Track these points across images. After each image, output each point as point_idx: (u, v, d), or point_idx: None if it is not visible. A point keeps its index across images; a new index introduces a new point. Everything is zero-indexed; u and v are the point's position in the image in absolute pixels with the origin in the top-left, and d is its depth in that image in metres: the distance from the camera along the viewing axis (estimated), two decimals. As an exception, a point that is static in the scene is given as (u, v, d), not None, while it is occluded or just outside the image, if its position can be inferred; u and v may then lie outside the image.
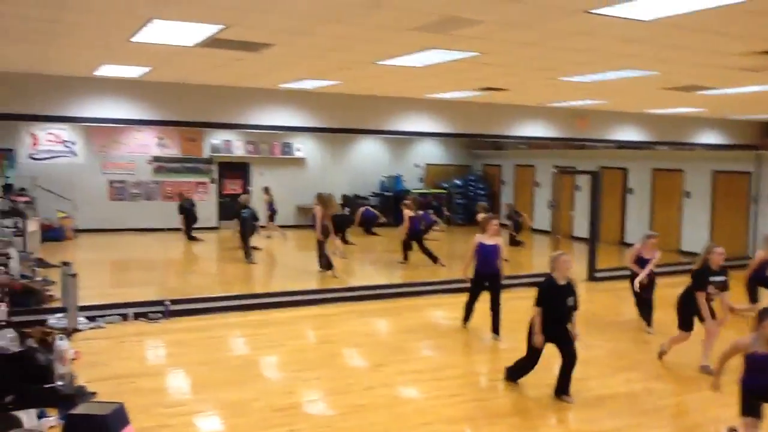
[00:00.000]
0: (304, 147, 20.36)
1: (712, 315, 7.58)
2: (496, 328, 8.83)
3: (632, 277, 9.47)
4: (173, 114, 10.56)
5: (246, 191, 18.37)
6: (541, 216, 20.28)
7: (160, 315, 9.49)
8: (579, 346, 6.76)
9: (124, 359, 7.68)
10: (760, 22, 5.33)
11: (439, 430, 5.88)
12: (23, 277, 10.58)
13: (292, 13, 5.41)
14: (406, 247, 14.18)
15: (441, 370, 7.61)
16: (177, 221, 17.08)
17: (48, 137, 17.36)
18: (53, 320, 8.70)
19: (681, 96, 10.35)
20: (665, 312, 8.12)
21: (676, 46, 6.38)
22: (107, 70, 9.04)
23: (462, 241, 15.78)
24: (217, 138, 19.30)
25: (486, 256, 8.83)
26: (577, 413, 6.41)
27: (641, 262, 9.34)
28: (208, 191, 19.44)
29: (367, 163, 21.33)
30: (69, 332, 8.18)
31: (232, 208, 16.25)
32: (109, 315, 9.25)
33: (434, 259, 13.78)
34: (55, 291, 10.04)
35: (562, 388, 6.64)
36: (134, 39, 6.57)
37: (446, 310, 10.41)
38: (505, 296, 8.96)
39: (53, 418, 5.54)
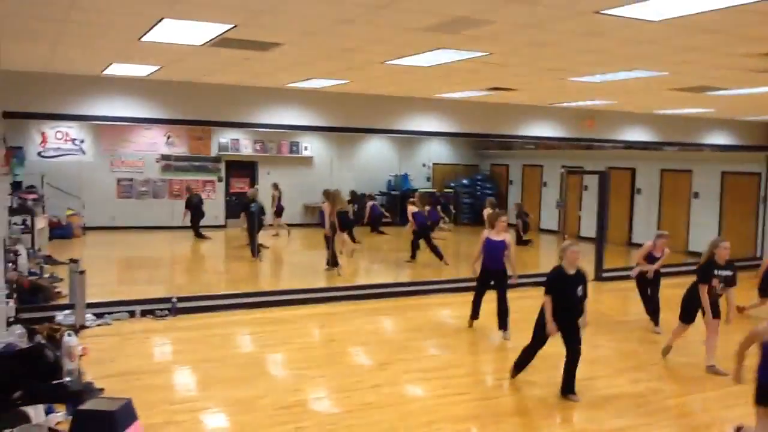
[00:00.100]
0: (311, 146, 20.39)
1: (716, 312, 7.55)
2: (503, 325, 8.83)
3: (638, 276, 9.54)
4: (181, 113, 10.60)
5: (254, 186, 18.42)
6: (549, 216, 20.25)
7: (167, 312, 9.52)
8: (586, 346, 6.76)
9: (131, 356, 7.71)
10: (770, 22, 5.31)
11: (444, 429, 5.88)
12: (31, 274, 10.66)
13: (302, 13, 5.42)
14: (415, 245, 14.17)
15: (447, 368, 7.61)
16: (183, 216, 17.06)
17: (57, 135, 17.45)
18: (61, 317, 8.75)
19: (690, 97, 10.31)
20: (674, 312, 8.10)
21: (686, 46, 6.36)
22: (116, 69, 9.07)
23: (468, 241, 15.78)
24: (225, 137, 19.36)
25: (492, 252, 8.83)
26: (583, 413, 6.40)
27: (651, 260, 9.42)
28: (215, 190, 19.51)
29: (375, 162, 21.34)
30: (76, 329, 8.23)
31: (239, 206, 16.32)
32: (117, 312, 9.29)
33: (440, 257, 13.79)
34: (63, 288, 10.09)
35: (567, 387, 6.64)
36: (144, 38, 6.59)
37: (452, 309, 10.42)
38: (511, 295, 8.95)
39: (61, 414, 5.56)
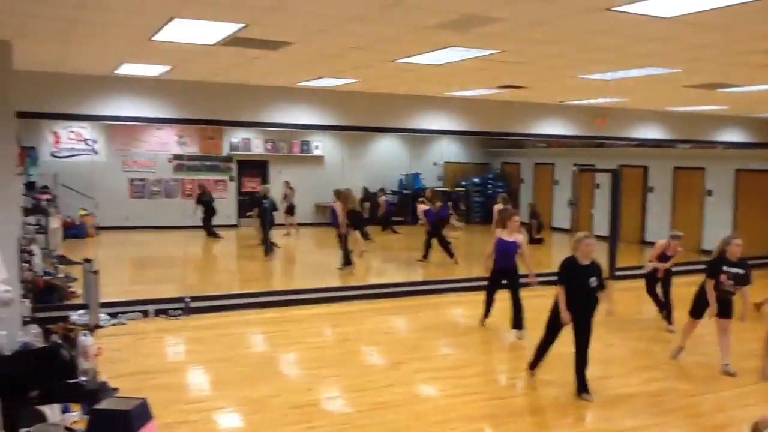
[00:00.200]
0: (322, 145, 20.41)
1: (728, 312, 7.47)
2: (518, 324, 8.82)
3: (648, 276, 9.58)
4: (193, 112, 10.62)
5: (266, 182, 18.48)
6: (561, 214, 20.18)
7: (180, 312, 9.57)
8: (599, 345, 6.74)
9: (145, 355, 7.75)
10: (785, 18, 5.26)
11: (458, 428, 5.88)
12: (46, 273, 10.72)
13: (312, 12, 5.43)
14: (428, 244, 14.16)
15: (460, 368, 7.60)
16: (193, 211, 17.07)
17: (70, 135, 17.55)
18: (75, 316, 8.81)
19: (703, 94, 10.24)
20: (687, 312, 8.06)
21: (698, 43, 6.31)
22: (128, 69, 9.11)
23: (480, 240, 15.75)
24: (237, 136, 19.41)
25: (504, 252, 8.81)
26: (597, 412, 6.37)
27: (664, 259, 9.44)
28: (227, 189, 19.57)
29: (386, 161, 21.32)
30: (91, 328, 8.28)
31: (252, 203, 16.37)
32: (130, 312, 9.35)
33: (451, 254, 13.77)
34: (77, 288, 10.15)
35: (580, 386, 6.62)
36: (155, 38, 6.62)
37: (465, 308, 10.40)
38: (523, 294, 8.92)
39: (76, 413, 5.60)
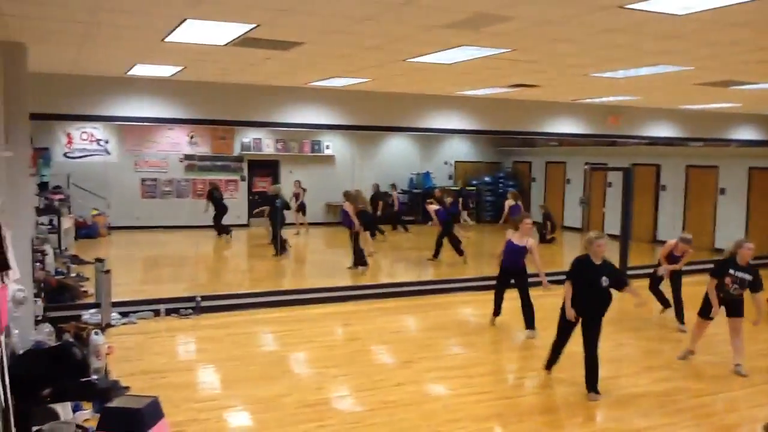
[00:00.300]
0: (333, 145, 20.43)
1: (738, 311, 7.40)
2: (530, 323, 8.80)
3: (652, 276, 9.71)
4: (204, 113, 10.67)
5: (276, 182, 18.52)
6: (572, 213, 20.10)
7: (190, 311, 9.61)
8: (610, 344, 6.71)
9: (156, 354, 7.78)
10: (798, 15, 5.21)
11: (467, 427, 5.87)
12: (58, 273, 10.81)
13: (323, 12, 5.44)
14: (440, 243, 14.14)
15: (470, 367, 7.59)
16: (205, 208, 17.11)
17: (82, 136, 17.68)
18: (87, 316, 8.87)
19: (716, 91, 10.17)
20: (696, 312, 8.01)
21: (712, 41, 6.27)
22: (140, 70, 9.17)
23: (490, 240, 15.72)
24: (248, 136, 19.47)
25: (512, 255, 8.83)
26: (607, 411, 6.34)
27: (673, 259, 9.42)
28: (238, 189, 19.64)
29: (397, 160, 21.33)
30: (103, 327, 8.33)
31: (263, 203, 16.41)
32: (141, 311, 9.39)
33: (460, 253, 13.76)
34: (89, 287, 10.22)
35: (588, 385, 6.60)
36: (168, 39, 6.65)
37: (475, 307, 10.38)
38: (533, 293, 8.89)
39: (88, 412, 5.64)
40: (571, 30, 5.91)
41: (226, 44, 6.87)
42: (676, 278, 9.50)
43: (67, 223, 13.71)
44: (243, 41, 6.65)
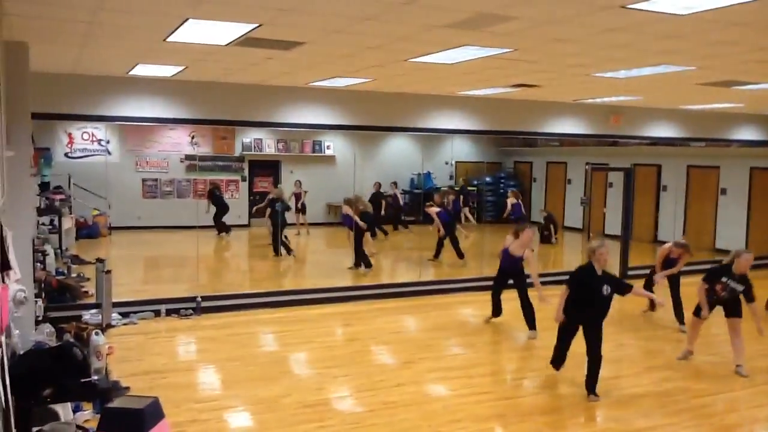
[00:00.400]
0: (334, 145, 20.42)
1: (737, 311, 7.41)
2: (531, 324, 8.80)
3: (647, 278, 9.70)
4: (205, 113, 10.66)
5: (278, 184, 18.50)
6: (573, 214, 20.08)
7: (191, 311, 9.61)
8: (611, 345, 6.71)
9: (156, 355, 7.79)
10: (800, 15, 5.20)
11: (468, 428, 5.86)
12: (59, 273, 10.81)
13: (325, 12, 5.43)
14: (440, 244, 14.14)
15: (470, 367, 7.58)
16: (206, 209, 17.05)
17: (83, 136, 17.66)
18: (88, 316, 8.87)
19: (718, 91, 10.15)
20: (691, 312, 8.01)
21: (713, 41, 6.26)
22: (141, 70, 9.16)
23: (491, 240, 15.68)
24: (249, 136, 19.46)
25: (507, 261, 8.93)
26: (608, 412, 6.34)
27: (669, 262, 9.44)
28: (239, 189, 19.63)
29: (398, 160, 21.29)
30: (103, 328, 8.33)
31: (264, 205, 16.39)
32: (142, 311, 9.39)
33: (460, 255, 13.76)
34: (90, 287, 10.22)
35: (588, 386, 6.61)
36: (170, 39, 6.64)
37: (475, 307, 10.37)
38: (533, 294, 8.88)
39: (88, 412, 5.64)
40: (572, 30, 5.90)
41: (227, 44, 6.86)
42: (674, 279, 9.52)
43: (67, 223, 13.71)
44: (245, 41, 6.65)
